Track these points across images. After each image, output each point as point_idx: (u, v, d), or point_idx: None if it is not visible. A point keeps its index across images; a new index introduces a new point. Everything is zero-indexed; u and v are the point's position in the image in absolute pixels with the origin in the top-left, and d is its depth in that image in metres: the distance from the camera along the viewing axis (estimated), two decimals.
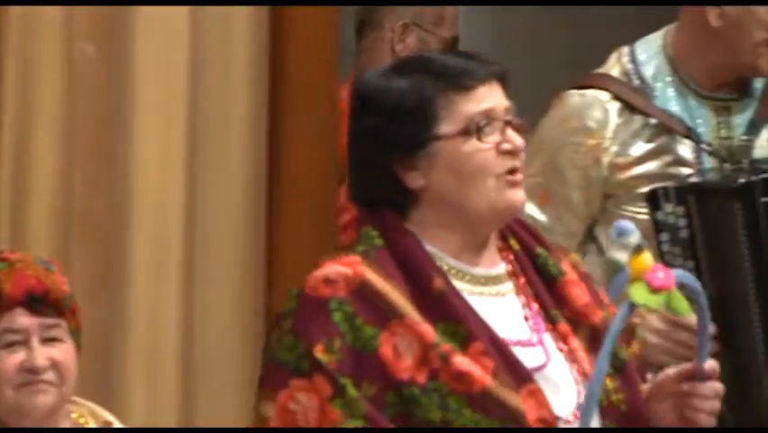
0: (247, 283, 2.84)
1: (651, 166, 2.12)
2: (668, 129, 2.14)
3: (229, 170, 2.87)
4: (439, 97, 1.47)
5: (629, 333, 1.53)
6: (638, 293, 1.31)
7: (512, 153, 1.49)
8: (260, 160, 2.88)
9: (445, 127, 1.47)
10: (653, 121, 2.15)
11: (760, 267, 2.02)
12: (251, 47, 2.89)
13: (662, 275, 1.31)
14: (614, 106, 2.14)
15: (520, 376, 1.42)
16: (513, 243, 1.55)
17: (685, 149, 2.16)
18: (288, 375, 1.41)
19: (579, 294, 1.53)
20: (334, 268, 1.45)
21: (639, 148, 2.14)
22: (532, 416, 1.41)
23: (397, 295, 1.44)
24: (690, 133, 2.15)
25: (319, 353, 1.41)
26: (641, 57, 2.21)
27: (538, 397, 1.42)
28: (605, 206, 2.14)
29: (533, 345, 1.48)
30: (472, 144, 1.47)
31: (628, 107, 2.14)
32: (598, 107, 2.15)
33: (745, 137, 2.19)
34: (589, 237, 2.17)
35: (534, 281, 1.53)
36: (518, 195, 1.50)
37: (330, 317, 1.43)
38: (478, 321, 1.44)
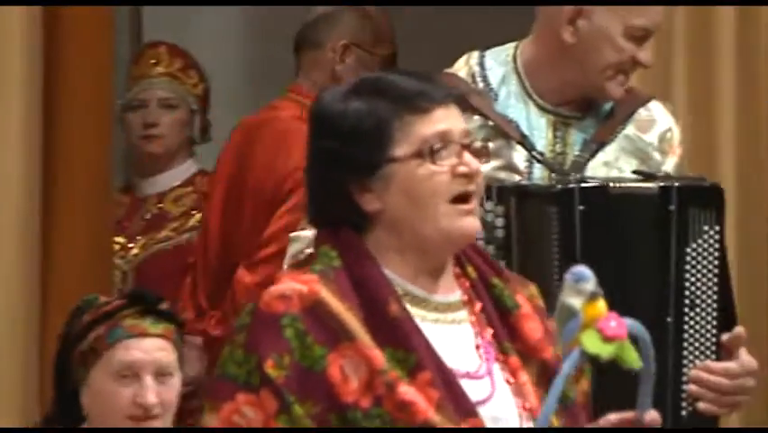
0: (22, 283, 2.81)
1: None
2: (504, 134, 2.11)
3: (4, 170, 2.83)
4: (395, 119, 1.44)
5: (579, 372, 1.49)
6: (590, 341, 1.26)
7: (467, 177, 1.45)
8: (35, 160, 2.86)
9: (400, 150, 1.44)
10: (490, 123, 2.11)
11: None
12: (24, 47, 2.84)
13: (615, 324, 1.26)
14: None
15: (464, 410, 1.40)
16: (470, 270, 1.52)
17: (518, 156, 2.13)
18: (236, 389, 1.39)
19: (532, 328, 1.50)
20: (290, 285, 1.43)
21: None
22: None
23: (350, 316, 1.42)
24: (524, 141, 2.12)
25: (269, 368, 1.38)
26: (489, 62, 2.19)
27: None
28: None
29: (480, 377, 1.46)
30: (426, 168, 1.44)
31: (468, 107, 1.97)
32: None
33: (578, 154, 2.17)
34: None
35: (489, 311, 1.50)
36: (470, 222, 1.46)
37: (282, 332, 1.40)
38: (428, 350, 1.41)
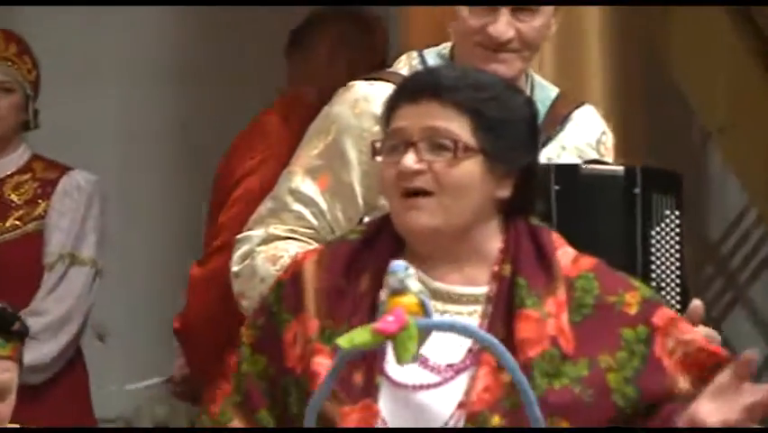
0: None
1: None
2: None
3: None
4: (388, 115, 1.54)
5: None
6: (357, 334, 1.25)
7: (403, 175, 1.48)
8: None
9: (380, 144, 1.56)
10: None
11: None
12: None
13: (392, 319, 1.23)
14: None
15: (361, 389, 1.44)
16: (507, 268, 1.52)
17: None
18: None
19: (524, 328, 1.47)
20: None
21: None
22: (344, 428, 1.42)
23: (310, 288, 1.49)
24: None
25: (244, 328, 1.58)
26: (429, 60, 2.16)
27: (367, 413, 1.43)
28: (382, 201, 1.95)
29: (439, 370, 1.46)
30: (384, 163, 1.53)
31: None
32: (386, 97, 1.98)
33: None
34: None
35: (501, 309, 1.50)
36: (413, 218, 1.47)
37: (268, 296, 1.57)
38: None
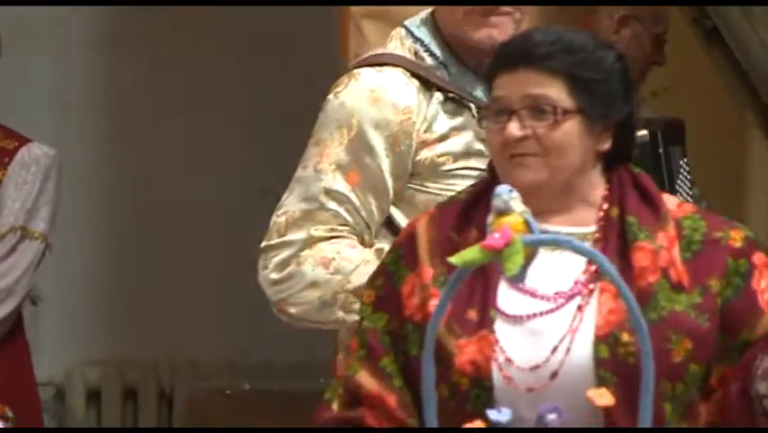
0: None
1: (454, 143, 2.02)
2: (467, 106, 2.04)
3: None
4: (489, 82, 1.66)
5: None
6: (468, 252, 1.32)
7: (508, 142, 1.58)
8: None
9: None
10: (447, 98, 2.04)
11: None
12: None
13: (498, 236, 1.30)
14: (414, 83, 2.01)
15: (477, 324, 1.55)
16: (614, 210, 1.62)
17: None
18: None
19: (641, 257, 1.57)
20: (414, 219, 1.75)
21: (442, 125, 2.02)
22: (462, 359, 1.53)
23: (424, 242, 1.63)
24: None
25: (364, 289, 1.74)
26: (423, 38, 2.06)
27: (484, 343, 1.53)
28: (408, 186, 2.04)
29: (549, 299, 1.57)
30: (487, 128, 1.67)
31: (426, 84, 2.03)
32: (400, 84, 2.01)
33: None
34: (387, 225, 2.05)
35: (612, 244, 1.59)
36: (521, 175, 1.57)
37: (386, 259, 1.71)
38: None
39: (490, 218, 1.38)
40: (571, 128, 1.58)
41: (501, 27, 1.98)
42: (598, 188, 1.64)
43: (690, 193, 2.36)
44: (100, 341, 4.13)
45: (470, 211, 1.64)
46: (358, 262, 1.95)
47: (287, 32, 4.22)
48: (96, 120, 4.24)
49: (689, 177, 2.36)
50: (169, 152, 4.19)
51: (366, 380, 1.59)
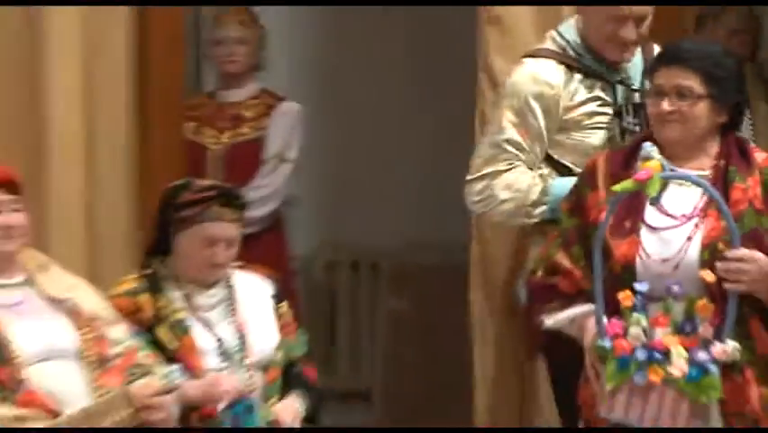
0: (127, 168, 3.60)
1: (589, 107, 3.06)
2: (596, 83, 3.07)
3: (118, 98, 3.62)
4: (651, 72, 2.58)
5: None
6: (623, 184, 2.38)
7: (661, 114, 2.47)
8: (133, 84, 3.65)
9: None
10: (585, 77, 3.07)
11: None
12: None
13: (643, 172, 2.35)
14: (561, 68, 3.06)
15: (629, 230, 2.44)
16: (721, 162, 2.50)
17: (608, 94, 3.07)
18: None
19: (736, 193, 2.45)
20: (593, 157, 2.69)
21: (581, 95, 3.06)
22: (618, 253, 2.41)
23: (600, 173, 2.54)
24: (613, 84, 3.08)
25: (564, 201, 2.65)
26: (568, 37, 3.08)
27: (632, 243, 2.42)
28: (558, 136, 3.07)
29: (677, 216, 2.44)
30: (649, 102, 2.56)
31: (570, 69, 3.07)
32: (552, 69, 3.07)
33: (635, 88, 3.11)
34: (546, 160, 3.09)
35: (719, 185, 2.46)
36: (667, 132, 2.47)
37: (578, 178, 2.63)
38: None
39: (639, 162, 2.41)
40: (702, 106, 2.46)
41: (630, 53, 3.05)
42: (714, 146, 2.53)
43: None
44: (333, 228, 5.47)
45: (629, 157, 2.52)
46: (530, 183, 2.97)
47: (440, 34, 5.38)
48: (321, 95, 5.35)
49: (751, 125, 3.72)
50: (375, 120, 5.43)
51: (562, 259, 2.52)
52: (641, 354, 2.31)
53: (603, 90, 3.06)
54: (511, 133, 3.03)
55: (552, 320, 2.54)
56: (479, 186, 3.04)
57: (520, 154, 3.02)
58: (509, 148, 3.03)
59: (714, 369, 2.28)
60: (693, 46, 2.60)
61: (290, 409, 2.87)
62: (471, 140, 3.36)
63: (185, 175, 3.28)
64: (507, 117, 3.06)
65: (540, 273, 2.56)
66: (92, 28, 3.55)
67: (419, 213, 5.36)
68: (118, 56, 3.62)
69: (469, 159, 3.10)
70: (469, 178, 3.06)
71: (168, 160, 3.84)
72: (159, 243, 2.89)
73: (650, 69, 2.65)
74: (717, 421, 2.35)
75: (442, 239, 5.02)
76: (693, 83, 2.44)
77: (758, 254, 2.38)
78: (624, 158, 2.54)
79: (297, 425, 2.85)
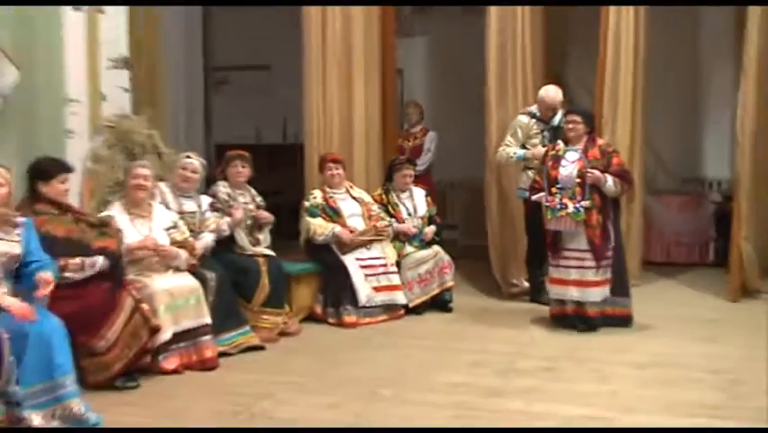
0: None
1: (537, 131, 7.35)
2: (541, 123, 7.35)
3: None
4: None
5: None
6: (553, 153, 6.48)
7: (567, 132, 7.01)
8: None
9: None
10: (537, 121, 7.35)
11: None
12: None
13: (559, 148, 6.53)
14: (530, 117, 7.36)
15: (552, 166, 6.81)
16: (586, 144, 6.44)
17: (545, 128, 7.39)
18: None
19: (590, 154, 6.36)
20: None
21: (535, 128, 7.36)
22: (553, 174, 6.46)
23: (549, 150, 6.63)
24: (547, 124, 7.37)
25: None
26: (532, 110, 7.36)
27: (555, 170, 6.53)
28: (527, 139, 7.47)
29: (570, 163, 6.37)
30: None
31: (533, 118, 7.33)
32: (526, 116, 7.37)
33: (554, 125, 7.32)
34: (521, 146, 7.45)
35: (583, 152, 6.40)
36: (569, 136, 6.55)
37: None
38: None
39: (560, 147, 7.21)
40: (581, 127, 6.49)
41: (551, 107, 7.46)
42: (584, 139, 6.47)
43: None
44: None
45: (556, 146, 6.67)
46: (514, 150, 7.49)
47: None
48: None
49: None
50: None
51: (537, 177, 6.60)
52: (558, 206, 6.19)
53: (543, 126, 7.26)
54: (512, 133, 7.29)
55: (534, 197, 6.38)
56: (500, 153, 7.36)
57: (513, 141, 7.26)
58: (513, 138, 7.26)
59: (581, 210, 6.12)
60: (578, 108, 6.64)
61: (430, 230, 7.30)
62: None
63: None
64: (508, 131, 7.37)
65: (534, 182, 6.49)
66: None
67: None
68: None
69: None
70: (500, 149, 7.39)
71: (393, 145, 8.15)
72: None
73: (565, 116, 6.57)
74: (581, 231, 6.25)
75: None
76: (579, 118, 6.32)
77: (596, 171, 6.11)
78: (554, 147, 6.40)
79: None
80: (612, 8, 7.54)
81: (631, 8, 7.54)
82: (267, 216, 6.67)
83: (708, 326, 6.55)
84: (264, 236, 6.70)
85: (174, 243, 5.68)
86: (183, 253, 5.64)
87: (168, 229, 5.73)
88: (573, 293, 6.35)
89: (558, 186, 6.29)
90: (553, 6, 8.05)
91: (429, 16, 10.54)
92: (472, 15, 8.97)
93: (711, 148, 9.67)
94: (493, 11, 7.67)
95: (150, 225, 5.63)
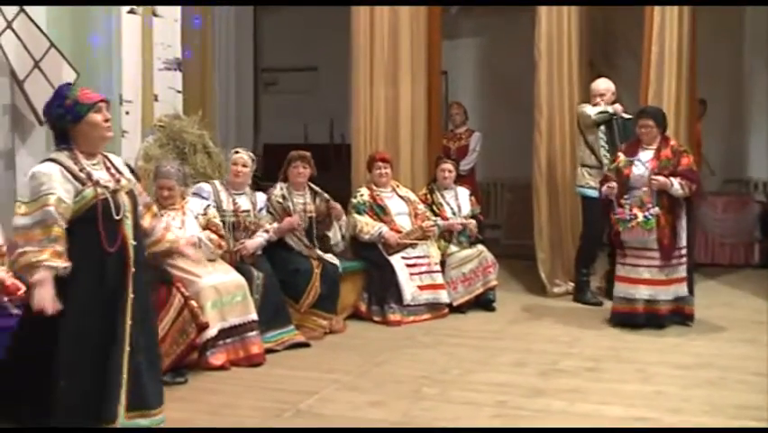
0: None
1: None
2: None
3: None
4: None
5: None
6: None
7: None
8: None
9: None
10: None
11: None
12: None
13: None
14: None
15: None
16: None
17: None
18: None
19: (662, 155, 6.26)
20: None
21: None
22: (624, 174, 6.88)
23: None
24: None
25: None
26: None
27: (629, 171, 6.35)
28: None
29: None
30: None
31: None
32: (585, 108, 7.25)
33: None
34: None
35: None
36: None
37: None
38: None
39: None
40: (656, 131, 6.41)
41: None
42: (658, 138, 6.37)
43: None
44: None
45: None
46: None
47: None
48: None
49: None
50: None
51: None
52: (628, 217, 6.07)
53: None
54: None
55: (605, 190, 6.21)
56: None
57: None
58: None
59: (650, 218, 6.01)
60: (651, 109, 6.39)
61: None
62: None
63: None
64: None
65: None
66: None
67: None
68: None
69: None
70: None
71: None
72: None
73: (638, 117, 6.35)
74: (653, 237, 6.05)
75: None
76: (651, 122, 6.16)
77: (660, 178, 5.96)
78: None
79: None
80: (657, 9, 7.44)
81: (675, 9, 7.43)
82: (338, 208, 6.63)
83: (752, 327, 6.42)
84: (334, 232, 6.64)
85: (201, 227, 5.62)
86: (202, 236, 5.52)
87: (197, 216, 5.67)
88: (643, 292, 6.29)
89: (626, 197, 6.20)
90: (597, 6, 7.99)
91: (474, 18, 10.49)
92: (517, 16, 8.92)
93: (756, 149, 9.50)
94: (543, 13, 7.60)
95: (183, 218, 5.54)
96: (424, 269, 6.87)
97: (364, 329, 6.56)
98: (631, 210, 6.11)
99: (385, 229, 6.87)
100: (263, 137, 10.57)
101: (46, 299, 3.40)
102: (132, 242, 3.71)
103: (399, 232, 6.93)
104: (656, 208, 6.09)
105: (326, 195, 6.66)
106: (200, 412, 4.52)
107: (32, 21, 5.40)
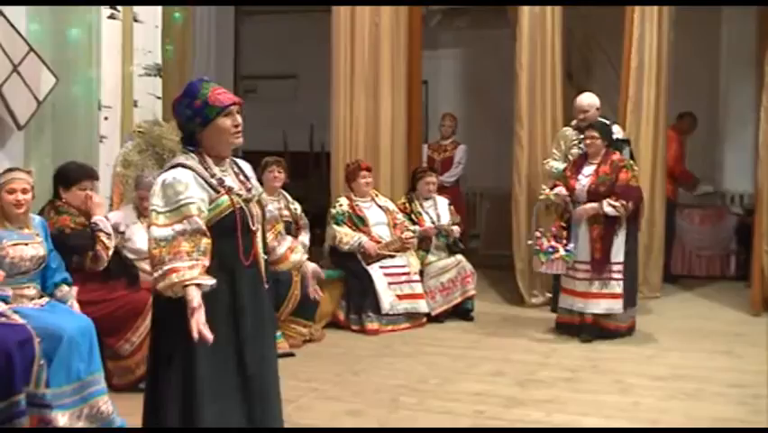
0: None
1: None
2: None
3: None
4: None
5: None
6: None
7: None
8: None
9: None
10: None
11: None
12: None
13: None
14: (574, 131, 6.99)
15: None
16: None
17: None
18: None
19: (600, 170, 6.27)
20: None
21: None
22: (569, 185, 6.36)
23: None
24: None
25: None
26: (575, 122, 7.11)
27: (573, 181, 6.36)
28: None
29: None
30: None
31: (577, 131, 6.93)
32: (568, 129, 7.08)
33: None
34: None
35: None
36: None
37: None
38: None
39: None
40: (599, 143, 6.37)
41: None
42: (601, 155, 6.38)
43: None
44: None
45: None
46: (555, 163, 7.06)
47: None
48: None
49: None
50: None
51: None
52: (550, 249, 6.05)
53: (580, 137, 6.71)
54: (553, 149, 7.10)
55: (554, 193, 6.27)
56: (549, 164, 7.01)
57: (557, 152, 7.00)
58: (555, 151, 6.98)
59: (572, 252, 6.06)
60: (597, 123, 6.32)
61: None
62: None
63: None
64: (554, 144, 7.13)
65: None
66: None
67: None
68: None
69: None
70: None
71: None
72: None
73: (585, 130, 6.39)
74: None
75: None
76: (596, 133, 6.17)
77: (578, 210, 6.11)
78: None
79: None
80: (636, 21, 7.47)
81: (654, 20, 7.50)
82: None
83: (728, 339, 6.44)
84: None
85: None
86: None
87: None
88: (578, 304, 6.32)
89: (541, 229, 6.25)
90: (576, 18, 7.98)
91: (454, 30, 10.49)
92: (498, 28, 8.92)
93: (733, 161, 9.55)
94: (525, 26, 7.59)
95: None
96: (403, 278, 6.85)
97: (342, 338, 6.52)
98: (549, 242, 6.14)
99: (365, 239, 6.85)
100: (243, 144, 10.53)
101: (203, 323, 2.95)
102: (262, 255, 3.34)
103: (378, 242, 6.91)
104: (572, 245, 6.16)
105: (296, 206, 6.72)
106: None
107: (10, 24, 5.34)
